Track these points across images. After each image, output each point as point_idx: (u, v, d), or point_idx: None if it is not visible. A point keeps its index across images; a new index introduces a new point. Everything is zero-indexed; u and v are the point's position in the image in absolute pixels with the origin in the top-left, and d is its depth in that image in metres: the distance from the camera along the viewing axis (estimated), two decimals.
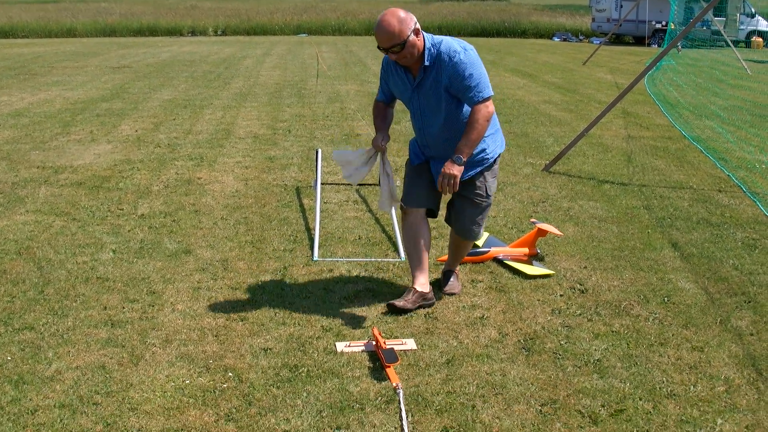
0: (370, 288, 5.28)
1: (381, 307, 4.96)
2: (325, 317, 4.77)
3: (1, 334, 4.53)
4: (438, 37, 4.65)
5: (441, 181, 4.62)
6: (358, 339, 4.52)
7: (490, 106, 4.59)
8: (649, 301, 5.20)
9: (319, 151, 7.54)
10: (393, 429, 3.62)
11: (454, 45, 4.57)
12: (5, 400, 3.80)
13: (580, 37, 39.13)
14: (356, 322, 4.74)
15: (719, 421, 3.75)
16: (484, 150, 4.85)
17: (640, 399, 3.95)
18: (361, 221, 6.80)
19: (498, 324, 4.77)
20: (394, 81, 4.84)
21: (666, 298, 5.24)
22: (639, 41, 34.88)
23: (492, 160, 4.92)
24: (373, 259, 5.80)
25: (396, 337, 4.49)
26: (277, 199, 7.47)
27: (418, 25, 4.51)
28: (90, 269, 5.51)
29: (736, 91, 16.55)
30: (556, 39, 39.25)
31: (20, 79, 17.41)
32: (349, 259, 5.82)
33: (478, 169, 4.87)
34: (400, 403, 3.78)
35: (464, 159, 4.60)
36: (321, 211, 6.79)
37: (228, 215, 6.88)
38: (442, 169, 4.62)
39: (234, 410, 3.75)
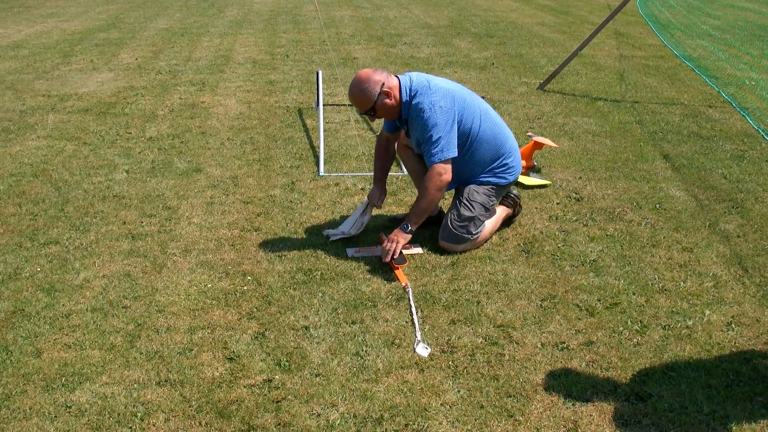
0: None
1: (386, 217, 5.19)
2: (334, 227, 5.00)
3: (28, 248, 4.75)
4: (415, 86, 4.49)
5: (384, 246, 4.51)
6: (367, 245, 4.76)
7: (444, 173, 4.45)
8: (641, 207, 5.45)
9: (320, 72, 7.73)
10: (404, 323, 3.89)
11: (424, 102, 4.41)
12: (40, 306, 4.05)
13: None
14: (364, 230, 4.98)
15: (707, 312, 4.04)
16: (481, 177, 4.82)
17: (634, 294, 4.23)
18: (363, 139, 7.01)
19: (499, 230, 5.02)
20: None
21: (657, 205, 5.49)
22: None
23: (487, 181, 4.83)
24: None
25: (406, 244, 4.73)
26: (280, 120, 7.66)
27: (387, 86, 4.43)
28: (106, 188, 5.73)
29: (727, 11, 16.61)
30: None
31: (14, 12, 17.37)
32: (354, 174, 6.05)
33: (478, 179, 4.83)
34: (409, 299, 4.06)
35: (411, 228, 4.53)
36: (324, 131, 6.99)
37: (234, 136, 7.08)
38: (390, 235, 4.55)
39: (255, 309, 4.01)
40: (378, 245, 4.72)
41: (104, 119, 7.64)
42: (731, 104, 8.38)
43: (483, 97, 5.12)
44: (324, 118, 7.50)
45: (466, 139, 4.62)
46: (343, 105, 8.11)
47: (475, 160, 4.69)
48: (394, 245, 4.46)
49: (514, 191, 5.06)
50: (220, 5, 18.25)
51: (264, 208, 5.34)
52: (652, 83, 9.52)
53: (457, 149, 4.50)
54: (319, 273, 4.40)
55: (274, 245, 4.76)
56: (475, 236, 4.65)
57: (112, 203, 5.43)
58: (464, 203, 4.66)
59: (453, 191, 4.91)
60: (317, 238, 4.86)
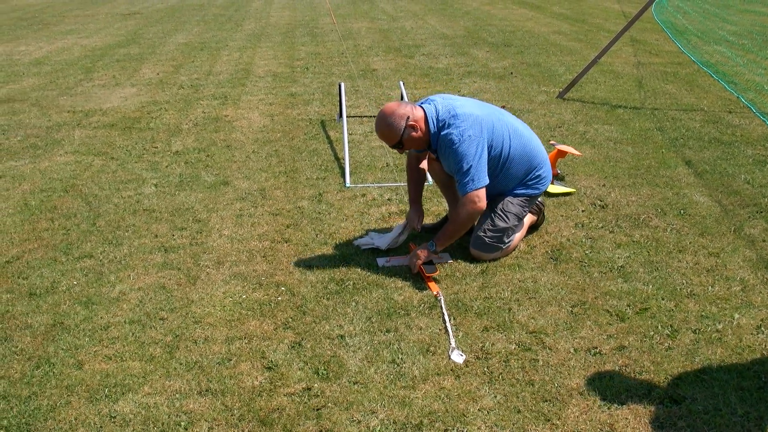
0: (403, 210, 5.58)
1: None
2: (364, 237, 5.07)
3: (63, 262, 4.84)
4: (443, 116, 4.52)
5: (410, 259, 4.62)
6: (397, 255, 4.83)
7: (478, 201, 4.45)
8: (666, 213, 5.49)
9: (342, 84, 7.81)
10: (438, 331, 3.95)
11: (453, 133, 4.44)
12: (78, 318, 4.13)
13: None
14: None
15: (736, 315, 4.08)
16: (526, 184, 4.87)
17: (663, 299, 4.27)
18: (387, 150, 7.09)
19: (526, 238, 5.08)
20: None
21: (682, 211, 5.53)
22: None
23: (522, 193, 4.88)
24: (402, 184, 6.09)
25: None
26: (303, 132, 7.75)
27: (412, 119, 4.47)
28: (136, 202, 5.82)
29: (744, 16, 16.62)
30: None
31: (34, 29, 17.56)
32: (380, 185, 6.12)
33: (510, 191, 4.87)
34: (442, 308, 4.12)
35: (438, 248, 4.57)
36: (348, 142, 7.07)
37: (259, 149, 7.17)
38: (417, 250, 4.60)
39: (290, 319, 4.08)
40: (408, 255, 4.77)
41: (130, 134, 7.75)
42: (751, 109, 8.40)
43: (504, 107, 5.13)
44: (348, 129, 7.57)
45: (498, 160, 4.66)
46: (366, 116, 8.18)
47: (509, 177, 4.77)
48: (415, 260, 4.53)
49: (539, 198, 5.11)
50: (238, 19, 18.40)
51: (293, 219, 5.41)
52: (671, 90, 9.56)
53: (487, 176, 4.50)
54: (352, 283, 4.46)
55: (305, 256, 4.83)
56: (507, 245, 4.71)
57: (142, 217, 5.51)
58: (499, 214, 4.72)
59: None
60: (347, 248, 4.93)
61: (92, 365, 3.68)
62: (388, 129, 4.51)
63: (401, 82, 8.26)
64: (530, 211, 5.04)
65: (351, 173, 6.33)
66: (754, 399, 3.35)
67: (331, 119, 8.21)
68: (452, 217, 4.65)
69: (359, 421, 3.22)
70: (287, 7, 21.68)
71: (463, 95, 8.74)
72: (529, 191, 4.83)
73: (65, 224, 5.41)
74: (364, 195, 5.90)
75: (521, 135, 4.76)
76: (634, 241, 5.02)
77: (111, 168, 6.64)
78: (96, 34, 16.26)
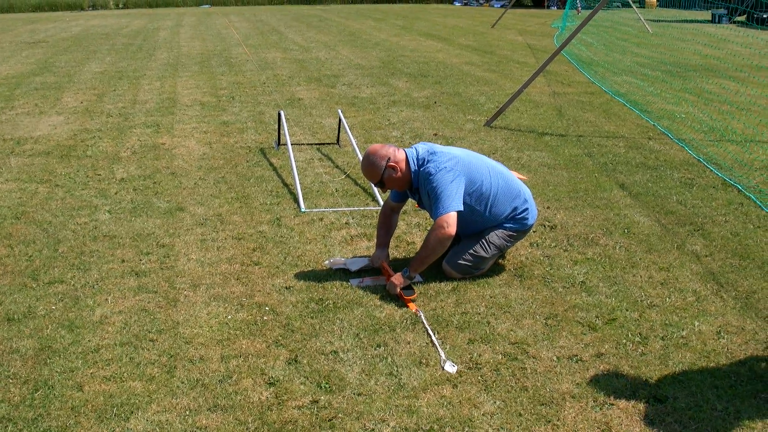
0: (363, 233, 5.76)
1: (379, 250, 5.43)
2: (332, 257, 5.22)
3: (33, 288, 4.82)
4: (422, 155, 4.80)
5: (388, 287, 4.76)
6: (369, 275, 4.99)
7: (447, 227, 4.60)
8: (612, 232, 5.82)
9: (282, 113, 7.95)
10: (425, 344, 4.13)
11: (430, 167, 4.70)
12: (66, 342, 4.14)
13: (481, 1, 40.00)
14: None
15: (696, 323, 4.40)
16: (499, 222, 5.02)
17: (627, 310, 4.56)
18: (332, 176, 7.25)
19: None
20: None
21: (626, 230, 5.88)
22: (537, 3, 35.97)
23: (509, 227, 5.05)
24: (356, 208, 6.27)
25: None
26: (245, 159, 7.85)
27: (393, 160, 4.75)
28: (93, 228, 5.82)
29: (641, 49, 17.50)
30: (457, 4, 40.07)
31: None
32: (335, 209, 6.28)
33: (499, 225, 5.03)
34: (424, 323, 4.31)
35: (411, 274, 4.72)
36: (292, 169, 7.22)
37: (205, 175, 7.23)
38: (392, 278, 4.75)
39: (280, 337, 4.19)
40: (381, 275, 4.94)
41: (69, 162, 7.69)
42: (668, 136, 8.92)
43: (435, 134, 5.34)
44: (288, 157, 7.70)
45: (482, 197, 4.88)
46: (304, 144, 8.34)
47: (496, 213, 4.97)
48: (393, 288, 4.68)
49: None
50: (148, 49, 18.29)
51: (257, 243, 5.51)
52: (590, 118, 10.04)
53: (462, 204, 4.69)
54: (331, 302, 4.60)
55: (279, 278, 4.94)
56: (479, 271, 4.93)
57: (104, 242, 5.52)
58: (483, 244, 4.95)
59: None
60: (319, 269, 5.07)
61: (92, 386, 3.70)
62: (370, 167, 4.80)
63: (340, 110, 8.44)
64: None
65: (304, 198, 6.45)
66: (729, 395, 3.64)
67: (269, 147, 8.33)
68: (424, 243, 4.81)
69: (372, 429, 3.37)
70: (195, 37, 21.65)
71: (392, 123, 9.03)
72: (516, 226, 5.05)
73: (25, 251, 5.37)
74: (321, 219, 6.04)
75: (502, 173, 5.04)
76: (588, 258, 5.31)
77: (58, 195, 6.59)
78: (5, 62, 15.91)
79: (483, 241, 4.95)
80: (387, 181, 4.83)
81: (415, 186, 4.87)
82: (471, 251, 4.90)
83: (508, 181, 5.02)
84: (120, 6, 38.03)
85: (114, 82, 12.84)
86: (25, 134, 8.94)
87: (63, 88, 12.35)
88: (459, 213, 4.69)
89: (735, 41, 16.68)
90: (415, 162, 4.81)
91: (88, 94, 11.70)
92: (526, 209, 5.08)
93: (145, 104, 10.88)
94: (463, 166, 4.79)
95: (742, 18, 25.84)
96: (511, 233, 5.04)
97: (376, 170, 4.78)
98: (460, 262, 4.90)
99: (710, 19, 26.14)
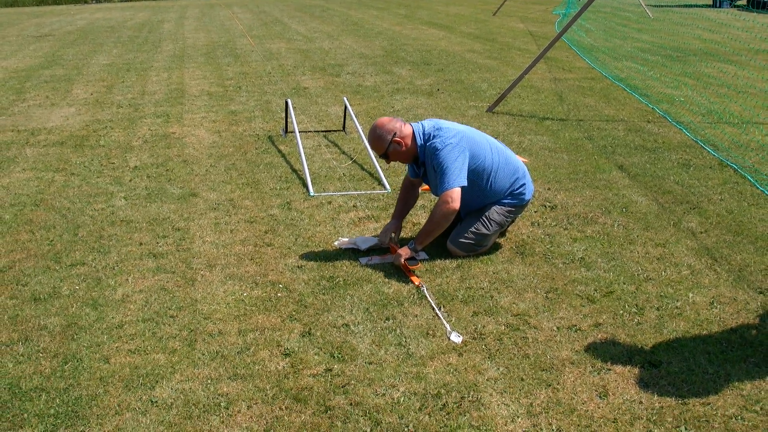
0: (370, 215, 5.97)
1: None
2: (340, 239, 5.44)
3: (57, 270, 5.05)
4: (428, 131, 5.00)
5: (394, 258, 5.00)
6: (377, 254, 5.22)
7: (451, 201, 4.81)
8: (610, 212, 6.03)
9: (289, 101, 8.16)
10: (431, 317, 4.36)
11: (437, 143, 4.90)
12: (91, 319, 4.37)
13: None
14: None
15: (690, 295, 4.61)
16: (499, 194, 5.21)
17: (624, 283, 4.78)
18: (339, 162, 7.47)
19: None
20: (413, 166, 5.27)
21: (624, 209, 6.08)
22: None
23: (508, 203, 5.25)
24: (364, 192, 6.48)
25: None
26: (254, 147, 8.06)
27: (399, 135, 4.95)
28: (111, 214, 6.04)
29: (642, 35, 17.66)
30: None
31: None
32: (342, 193, 6.49)
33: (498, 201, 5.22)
34: (428, 296, 4.53)
35: (417, 247, 4.98)
36: (300, 155, 7.44)
37: (216, 163, 7.45)
38: (398, 250, 5.00)
39: (294, 313, 4.42)
40: (388, 253, 5.16)
41: (82, 151, 7.91)
42: (667, 119, 9.12)
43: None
44: (296, 144, 7.93)
45: (484, 172, 5.09)
46: (310, 131, 8.55)
47: (496, 188, 5.18)
48: (399, 258, 4.94)
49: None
50: (154, 41, 18.49)
51: (269, 226, 5.73)
52: (590, 102, 10.23)
53: (466, 179, 4.90)
54: (342, 279, 4.82)
55: (291, 258, 5.16)
56: (482, 248, 5.17)
57: (122, 227, 5.74)
58: (483, 221, 5.16)
59: None
60: (328, 249, 5.29)
61: (118, 359, 3.93)
62: (376, 139, 5.00)
63: (345, 98, 8.64)
64: None
65: (312, 183, 6.67)
66: (720, 360, 3.86)
67: (277, 135, 8.54)
68: (429, 217, 5.05)
69: (383, 394, 3.59)
70: (200, 29, 21.83)
71: (395, 111, 9.24)
72: (515, 201, 5.27)
73: (47, 236, 5.59)
74: (330, 203, 6.25)
75: (503, 150, 5.26)
76: (587, 236, 5.52)
77: (75, 183, 6.81)
78: (13, 55, 16.13)
79: (483, 218, 5.17)
80: (391, 155, 5.03)
81: (421, 160, 5.08)
82: (473, 229, 5.12)
83: (507, 158, 5.24)
84: None
85: (122, 74, 13.06)
86: (39, 125, 9.15)
87: (72, 80, 12.57)
88: (462, 188, 4.91)
89: (735, 25, 16.84)
90: (422, 137, 5.01)
91: (97, 86, 11.91)
92: (524, 184, 5.29)
93: (153, 95, 11.09)
94: (467, 141, 4.99)
95: (743, 2, 25.96)
96: (510, 209, 5.25)
97: (381, 143, 4.98)
98: (462, 240, 5.12)
99: (711, 3, 26.24)
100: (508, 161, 5.22)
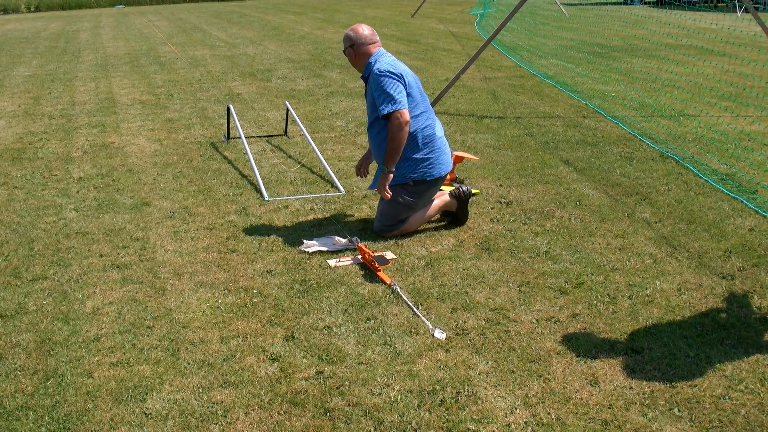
0: (329, 218, 5.96)
1: (346, 230, 5.67)
2: (305, 241, 5.43)
3: (18, 285, 4.90)
4: (380, 56, 5.46)
5: (378, 189, 5.46)
6: (344, 255, 5.22)
7: (401, 117, 5.22)
8: (564, 205, 6.16)
9: (231, 107, 8.10)
10: (411, 315, 4.38)
11: (383, 66, 5.32)
12: (65, 333, 4.26)
13: None
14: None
15: (657, 282, 4.74)
16: (400, 169, 5.48)
17: (592, 274, 4.89)
18: (288, 166, 7.44)
19: (452, 234, 5.60)
20: None
21: (578, 202, 6.22)
22: None
23: (405, 180, 5.51)
24: (319, 195, 6.47)
25: (374, 251, 5.21)
26: (198, 154, 7.97)
27: (356, 47, 5.49)
28: (64, 226, 5.90)
29: (562, 32, 18.05)
30: None
31: None
32: (298, 197, 6.47)
33: (397, 181, 5.49)
34: (401, 295, 4.56)
35: (388, 168, 5.35)
36: (246, 161, 7.39)
37: (162, 171, 7.33)
38: (377, 184, 5.46)
39: (273, 317, 4.39)
40: (357, 255, 5.17)
41: (21, 164, 7.70)
42: (602, 114, 9.34)
43: None
44: (241, 149, 7.88)
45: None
46: (253, 137, 8.49)
47: (408, 147, 5.41)
48: (383, 190, 5.37)
49: (465, 187, 5.67)
50: (73, 51, 18.07)
51: (230, 232, 5.68)
52: (524, 100, 10.42)
53: (406, 105, 5.25)
54: (314, 282, 4.81)
55: (258, 263, 5.12)
56: (406, 225, 5.53)
57: (78, 239, 5.61)
58: (392, 203, 5.47)
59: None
60: (295, 253, 5.26)
61: (102, 372, 3.84)
62: (344, 37, 5.61)
63: (287, 102, 8.61)
64: (451, 194, 5.58)
65: (265, 188, 6.62)
66: (698, 344, 3.99)
67: (219, 141, 8.45)
68: (389, 139, 5.30)
69: (379, 393, 3.60)
70: (118, 37, 21.43)
71: (334, 114, 9.27)
72: (417, 175, 5.50)
73: (0, 251, 5.44)
74: (286, 207, 6.23)
75: (433, 120, 5.60)
76: (547, 230, 5.63)
77: (20, 197, 6.63)
78: None
79: (391, 201, 5.45)
80: (347, 55, 5.63)
81: (364, 76, 5.53)
82: (384, 213, 5.49)
83: (431, 125, 5.53)
84: (32, 9, 37.16)
85: (47, 85, 12.73)
86: None
87: None
88: (370, 119, 5.48)
89: (649, 22, 17.33)
90: (375, 57, 5.48)
91: (23, 98, 11.59)
92: (431, 163, 5.51)
93: (84, 105, 10.86)
94: (407, 79, 5.38)
95: None
96: (414, 187, 5.50)
97: (344, 42, 5.60)
98: (379, 225, 5.52)
99: (623, 0, 26.96)
100: (431, 129, 5.53)
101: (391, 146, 5.28)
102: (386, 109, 5.22)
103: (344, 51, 5.63)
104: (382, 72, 5.28)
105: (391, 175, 5.36)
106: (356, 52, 5.50)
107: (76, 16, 31.82)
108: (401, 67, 5.38)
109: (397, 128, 5.21)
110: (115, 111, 10.33)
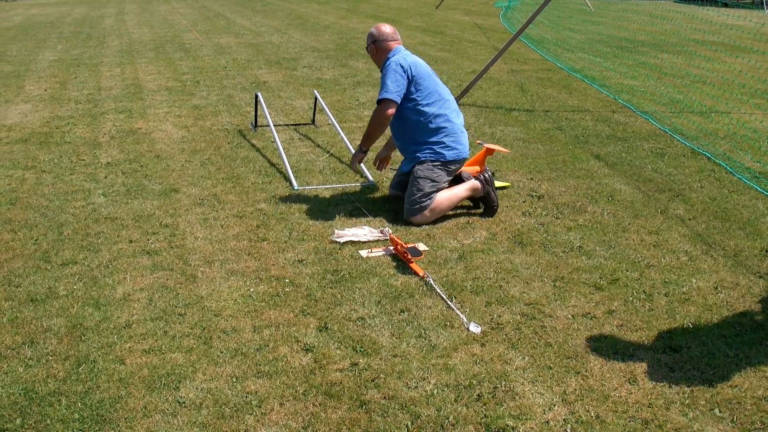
0: (359, 207, 5.91)
1: (377, 220, 5.64)
2: (336, 232, 5.38)
3: (48, 269, 4.88)
4: (398, 52, 5.77)
5: (351, 164, 6.13)
6: (376, 246, 5.17)
7: (384, 110, 5.57)
8: (597, 200, 6.08)
9: (259, 94, 8.05)
10: (445, 308, 4.33)
11: (391, 59, 5.69)
12: (96, 319, 4.23)
13: None
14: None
15: (693, 280, 4.67)
16: (415, 153, 5.76)
17: (627, 270, 4.82)
18: (317, 155, 7.39)
19: (485, 226, 5.54)
20: None
21: (610, 197, 6.14)
22: None
23: (417, 160, 5.74)
24: (349, 184, 6.42)
25: (406, 243, 5.16)
26: (226, 141, 7.93)
27: (378, 43, 5.86)
28: (92, 211, 5.87)
29: (588, 26, 17.90)
30: None
31: None
32: (327, 186, 6.43)
33: (412, 163, 5.77)
34: (435, 287, 4.50)
35: (363, 147, 5.87)
36: (274, 149, 7.35)
37: (190, 158, 7.30)
38: (353, 155, 6.06)
39: (305, 307, 4.35)
40: (389, 246, 5.12)
41: (49, 148, 7.69)
42: (631, 109, 9.24)
43: None
44: (269, 138, 7.84)
45: (418, 104, 5.65)
46: (280, 125, 8.44)
47: (411, 126, 5.70)
48: (353, 164, 6.03)
49: (488, 173, 5.71)
50: (99, 36, 18.09)
51: (260, 220, 5.64)
52: (552, 93, 10.32)
53: (398, 96, 5.54)
54: (346, 273, 4.76)
55: (289, 252, 5.08)
56: (429, 205, 5.56)
57: (107, 224, 5.58)
58: (414, 182, 5.64)
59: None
60: (326, 243, 5.22)
61: (134, 359, 3.81)
62: (367, 35, 5.95)
63: (316, 91, 8.57)
64: (476, 178, 5.69)
65: (294, 177, 6.58)
66: (737, 343, 3.92)
67: (246, 129, 8.41)
68: (369, 120, 5.72)
69: (415, 387, 3.55)
70: (142, 24, 21.44)
71: (361, 104, 9.22)
72: (436, 156, 5.68)
73: (30, 235, 5.41)
74: (316, 196, 6.18)
75: (446, 105, 5.73)
76: (579, 225, 5.56)
77: (48, 181, 6.62)
78: None
79: (413, 181, 5.62)
80: (369, 52, 5.98)
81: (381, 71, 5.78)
82: (410, 196, 5.59)
83: (449, 117, 5.69)
84: None
85: (73, 70, 12.74)
86: None
87: (22, 76, 12.21)
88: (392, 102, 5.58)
89: (674, 17, 17.15)
90: (393, 52, 5.79)
91: (50, 82, 11.60)
92: (446, 146, 5.67)
93: (110, 90, 10.85)
94: (415, 70, 5.63)
95: None
96: (431, 163, 5.67)
97: (367, 39, 5.95)
98: (408, 207, 5.58)
99: None
100: (446, 119, 5.70)
101: (368, 129, 5.71)
102: (379, 95, 5.58)
103: (367, 47, 5.94)
104: (391, 63, 5.62)
105: (362, 155, 5.91)
106: (377, 48, 5.83)
107: (100, 2, 31.87)
108: (412, 60, 5.66)
109: (377, 114, 5.61)
110: (142, 97, 10.31)
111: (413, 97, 5.61)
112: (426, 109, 5.62)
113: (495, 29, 18.64)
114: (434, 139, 5.65)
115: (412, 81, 5.60)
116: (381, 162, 6.22)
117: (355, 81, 11.37)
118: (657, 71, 11.72)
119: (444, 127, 5.65)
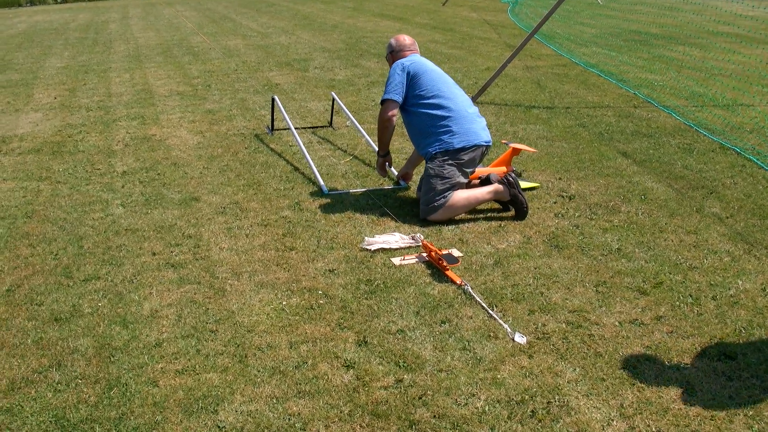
0: (387, 212, 5.74)
1: (407, 226, 5.45)
2: (366, 239, 5.21)
3: (70, 285, 4.72)
4: (410, 56, 5.92)
5: (378, 169, 6.28)
6: (407, 253, 5.00)
7: (386, 112, 5.74)
8: (630, 200, 5.91)
9: (276, 98, 7.89)
10: (486, 317, 4.16)
11: (397, 62, 5.86)
12: (125, 338, 4.07)
13: None
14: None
15: (739, 282, 4.50)
16: (422, 145, 5.79)
17: (670, 273, 4.64)
18: (337, 158, 7.23)
19: (518, 230, 5.36)
20: None
21: (643, 196, 5.97)
22: None
23: (429, 155, 5.72)
24: (378, 188, 6.26)
25: (439, 249, 4.99)
26: (243, 146, 7.77)
27: (395, 53, 6.07)
28: (112, 222, 5.72)
29: (599, 20, 17.70)
30: None
31: None
32: (357, 190, 6.26)
33: (427, 159, 5.76)
34: (473, 296, 4.33)
35: (379, 152, 6.06)
36: (294, 153, 7.18)
37: (208, 164, 7.14)
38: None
39: (342, 320, 4.18)
40: (422, 252, 4.95)
41: (62, 158, 7.54)
42: (653, 104, 9.05)
43: None
44: (287, 142, 7.68)
45: (422, 97, 5.71)
46: (297, 128, 8.28)
47: (421, 122, 5.72)
48: (379, 169, 6.19)
49: (512, 175, 5.55)
50: (104, 42, 17.95)
51: (286, 228, 5.48)
52: (571, 89, 10.14)
53: (397, 96, 5.69)
54: (381, 282, 4.59)
55: (319, 261, 4.91)
56: (444, 202, 5.51)
57: (128, 236, 5.43)
58: (425, 182, 5.65)
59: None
60: (356, 251, 5.05)
61: (167, 381, 3.65)
62: (387, 45, 6.20)
63: (334, 93, 8.41)
64: (500, 182, 5.51)
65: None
66: None
67: (263, 133, 8.26)
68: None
69: (465, 404, 3.38)
70: (148, 28, 21.30)
71: (376, 104, 9.03)
72: (442, 146, 5.59)
73: (50, 249, 5.26)
74: (341, 201, 6.02)
75: (456, 103, 5.69)
76: (615, 226, 5.38)
77: (64, 192, 6.46)
78: None
79: (424, 181, 5.63)
80: (387, 61, 6.17)
81: None
82: (423, 195, 5.61)
83: (452, 107, 5.68)
84: (59, 0, 37.15)
85: (81, 76, 12.59)
86: (8, 132, 8.72)
87: (30, 84, 12.08)
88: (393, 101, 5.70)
89: (685, 9, 16.95)
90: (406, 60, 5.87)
91: (59, 89, 11.46)
92: (453, 133, 5.62)
93: (121, 96, 10.70)
94: (417, 67, 5.75)
95: None
96: (441, 160, 5.59)
97: (386, 49, 6.21)
98: (423, 207, 5.57)
99: None
100: (448, 108, 5.67)
101: (377, 133, 5.93)
102: (383, 96, 5.74)
103: (386, 57, 6.20)
104: (393, 66, 5.83)
105: (382, 159, 6.07)
106: (394, 57, 6.03)
107: (103, 7, 31.76)
108: (413, 59, 5.83)
109: (379, 116, 5.80)
110: (153, 102, 10.16)
111: (416, 92, 5.69)
112: (430, 101, 5.66)
113: (504, 25, 18.45)
114: (441, 129, 5.62)
115: (411, 78, 5.69)
116: (403, 178, 6.36)
117: (369, 81, 11.20)
118: (676, 64, 11.53)
119: (449, 116, 5.63)
